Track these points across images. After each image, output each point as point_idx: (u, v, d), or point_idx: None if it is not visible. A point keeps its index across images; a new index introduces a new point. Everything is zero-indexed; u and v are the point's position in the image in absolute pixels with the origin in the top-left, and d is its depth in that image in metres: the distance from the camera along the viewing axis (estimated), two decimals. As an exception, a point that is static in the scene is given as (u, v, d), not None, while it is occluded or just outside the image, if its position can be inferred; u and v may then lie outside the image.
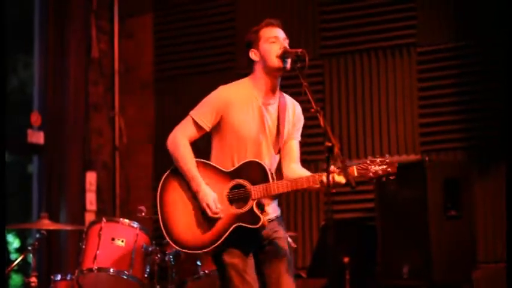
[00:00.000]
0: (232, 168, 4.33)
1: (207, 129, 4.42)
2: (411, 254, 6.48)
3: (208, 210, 4.25)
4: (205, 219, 4.29)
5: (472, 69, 7.33)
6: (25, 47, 8.39)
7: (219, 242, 4.24)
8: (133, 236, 5.62)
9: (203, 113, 4.41)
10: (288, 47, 4.39)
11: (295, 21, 7.91)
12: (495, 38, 7.20)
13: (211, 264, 5.42)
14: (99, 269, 5.48)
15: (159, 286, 5.59)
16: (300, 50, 4.31)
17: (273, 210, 4.43)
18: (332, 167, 4.10)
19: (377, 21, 7.69)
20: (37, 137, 7.97)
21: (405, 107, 7.53)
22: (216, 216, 4.24)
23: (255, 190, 4.25)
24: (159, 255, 5.56)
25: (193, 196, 4.33)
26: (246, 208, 4.25)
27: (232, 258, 4.28)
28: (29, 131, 7.91)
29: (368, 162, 4.21)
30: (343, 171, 4.07)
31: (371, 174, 4.20)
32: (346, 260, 6.66)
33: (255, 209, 4.24)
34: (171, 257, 5.51)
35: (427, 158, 6.63)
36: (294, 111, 4.49)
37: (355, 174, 4.19)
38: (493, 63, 7.21)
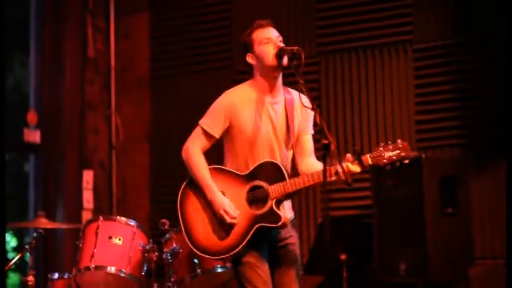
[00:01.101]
0: (248, 171, 4.38)
1: (218, 137, 4.47)
2: (408, 251, 6.48)
3: (226, 217, 4.31)
4: (225, 224, 4.34)
5: (469, 66, 7.33)
6: (21, 46, 8.38)
7: (243, 244, 4.30)
8: (131, 234, 5.63)
9: (212, 121, 4.45)
10: (283, 45, 4.41)
11: (290, 19, 7.90)
12: (492, 35, 7.20)
13: (208, 262, 5.44)
14: (97, 268, 5.50)
15: (156, 284, 5.59)
16: (295, 48, 4.33)
17: (289, 212, 4.48)
18: (347, 155, 4.16)
19: (373, 19, 7.69)
20: (33, 136, 7.98)
21: (401, 104, 7.53)
22: (234, 221, 4.29)
23: (273, 189, 4.29)
24: (156, 253, 5.56)
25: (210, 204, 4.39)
26: (266, 208, 4.30)
27: (248, 258, 4.34)
28: (25, 130, 7.91)
29: (381, 149, 4.27)
30: (358, 159, 4.10)
31: (385, 160, 4.26)
32: (343, 257, 6.67)
33: (275, 208, 4.28)
34: (168, 255, 5.51)
35: (423, 155, 6.63)
36: (301, 104, 4.48)
37: (370, 162, 4.24)
38: (490, 60, 7.21)
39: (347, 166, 4.19)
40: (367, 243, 6.82)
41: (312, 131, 4.57)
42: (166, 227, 5.54)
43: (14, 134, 7.86)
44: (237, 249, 4.31)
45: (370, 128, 7.59)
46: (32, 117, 7.97)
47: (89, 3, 8.57)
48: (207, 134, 4.45)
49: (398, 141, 4.32)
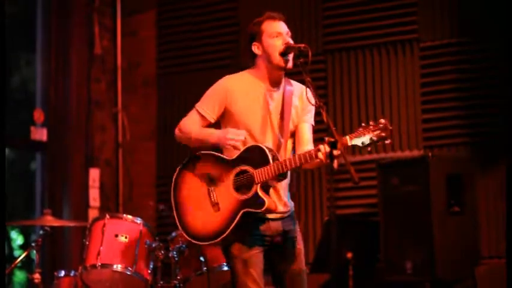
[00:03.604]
0: (235, 156, 4.34)
1: (212, 121, 4.44)
2: (414, 250, 6.48)
3: (234, 142, 4.26)
4: (214, 210, 4.32)
5: (475, 65, 7.32)
6: (27, 44, 8.40)
7: (228, 230, 4.26)
8: (137, 232, 5.63)
9: (207, 104, 4.44)
10: (291, 41, 4.39)
11: (298, 17, 7.90)
12: (498, 34, 7.19)
13: (214, 260, 5.44)
14: (103, 265, 5.49)
15: (162, 282, 5.59)
16: (302, 45, 4.30)
17: (284, 205, 4.44)
18: (326, 139, 4.05)
19: (380, 17, 7.69)
20: (40, 134, 7.99)
21: (408, 102, 7.53)
22: (242, 138, 4.27)
23: (258, 173, 4.24)
24: (162, 252, 5.56)
25: (201, 189, 4.39)
26: (251, 193, 4.24)
27: (241, 252, 4.30)
28: (32, 128, 7.92)
29: (361, 129, 4.14)
30: (336, 140, 4.00)
31: (366, 140, 4.12)
32: (349, 255, 6.66)
33: (260, 193, 4.23)
34: (174, 253, 5.51)
35: (430, 154, 6.62)
36: (301, 95, 4.45)
37: (349, 143, 4.13)
38: (496, 58, 7.21)
39: (325, 148, 4.06)
40: (373, 242, 6.82)
41: (312, 121, 4.52)
42: (162, 207, 5.54)
43: (21, 132, 7.87)
44: (224, 235, 4.26)
45: (376, 126, 7.57)
46: (38, 115, 7.98)
47: (96, 1, 8.58)
48: (201, 117, 4.45)
49: (381, 120, 4.15)
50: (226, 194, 4.31)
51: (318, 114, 4.12)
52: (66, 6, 8.20)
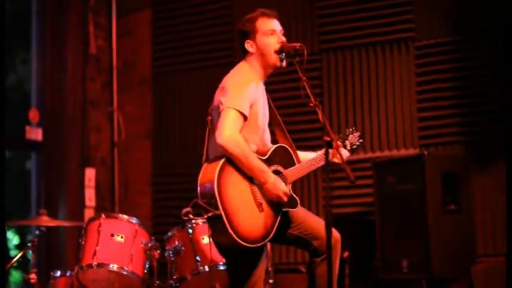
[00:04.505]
0: (267, 156, 4.30)
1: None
2: (410, 248, 6.48)
3: (285, 197, 4.23)
4: (259, 210, 4.22)
5: (471, 63, 7.33)
6: (23, 43, 8.38)
7: (274, 230, 4.22)
8: (133, 231, 5.63)
9: (244, 102, 4.22)
10: (284, 39, 4.39)
11: (293, 16, 7.90)
12: (493, 32, 7.20)
13: (210, 260, 5.44)
14: (99, 265, 5.50)
15: (158, 282, 5.59)
16: (298, 44, 4.31)
17: None
18: (338, 142, 4.32)
19: (375, 16, 7.69)
20: (35, 134, 7.98)
21: (403, 101, 7.54)
22: (284, 198, 4.23)
23: (289, 174, 4.31)
24: (158, 251, 5.56)
25: (246, 190, 4.20)
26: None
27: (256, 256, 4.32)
28: (27, 128, 7.91)
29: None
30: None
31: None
32: (345, 254, 6.64)
33: (292, 193, 4.31)
34: (170, 252, 5.51)
35: (426, 153, 6.62)
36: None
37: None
38: (492, 56, 7.21)
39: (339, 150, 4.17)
40: (369, 241, 6.82)
41: None
42: (190, 215, 5.45)
43: (16, 132, 7.86)
44: (271, 235, 4.21)
45: (372, 125, 7.59)
46: (33, 115, 7.97)
47: (91, 1, 8.57)
48: (242, 115, 4.19)
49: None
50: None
51: (313, 113, 4.11)
52: (61, 5, 8.19)
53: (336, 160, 4.21)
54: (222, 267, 5.47)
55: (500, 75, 7.06)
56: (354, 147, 4.63)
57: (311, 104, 4.21)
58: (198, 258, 5.48)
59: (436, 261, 6.31)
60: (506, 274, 5.98)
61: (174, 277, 5.52)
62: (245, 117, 4.21)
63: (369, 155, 7.49)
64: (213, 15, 8.41)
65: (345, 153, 4.48)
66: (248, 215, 4.15)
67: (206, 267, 5.47)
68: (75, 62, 8.32)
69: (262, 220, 4.20)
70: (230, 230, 4.06)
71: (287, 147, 4.40)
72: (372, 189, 7.01)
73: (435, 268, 6.30)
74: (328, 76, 7.82)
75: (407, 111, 7.51)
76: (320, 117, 4.09)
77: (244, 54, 4.47)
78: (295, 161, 4.37)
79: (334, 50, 7.83)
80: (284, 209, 4.27)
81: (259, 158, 4.25)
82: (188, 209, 5.26)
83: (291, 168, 4.32)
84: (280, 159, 4.33)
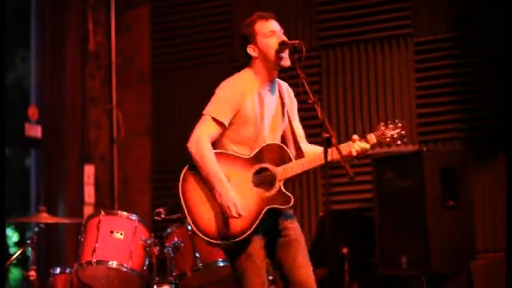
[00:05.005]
0: (253, 154, 4.35)
1: (227, 126, 4.37)
2: (409, 244, 6.49)
3: (232, 211, 4.19)
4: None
5: (469, 59, 7.33)
6: (22, 41, 8.38)
7: (253, 227, 4.25)
8: (132, 228, 5.63)
9: (223, 110, 4.34)
10: (285, 38, 4.40)
11: (291, 12, 7.90)
12: (492, 28, 7.19)
13: (210, 255, 5.44)
14: (98, 262, 5.49)
15: (158, 278, 5.59)
16: (297, 42, 4.32)
17: None
18: (354, 136, 4.28)
19: (373, 12, 7.69)
20: (34, 131, 7.97)
21: (402, 97, 7.54)
22: (236, 216, 4.20)
23: (280, 171, 4.30)
24: (158, 248, 5.56)
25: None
26: (275, 190, 4.29)
27: (248, 249, 4.29)
28: (27, 125, 7.91)
29: (382, 128, 4.37)
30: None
31: (388, 139, 4.38)
32: (344, 250, 6.67)
33: (284, 189, 4.29)
34: (170, 249, 5.51)
35: (425, 149, 6.63)
36: (289, 93, 4.57)
37: (374, 140, 4.35)
38: (490, 52, 7.21)
39: (356, 145, 4.27)
40: (368, 237, 6.82)
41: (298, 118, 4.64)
42: (162, 216, 5.50)
43: (15, 129, 7.85)
44: (248, 232, 4.24)
45: (371, 121, 7.59)
46: (33, 112, 7.97)
47: (90, -3, 8.58)
48: (218, 123, 4.34)
49: (397, 120, 4.41)
50: (246, 191, 4.30)
51: (312, 109, 4.12)
52: (60, 2, 8.19)
53: (335, 157, 4.20)
54: (221, 264, 5.48)
55: (500, 72, 7.06)
56: (395, 137, 4.39)
57: (310, 101, 4.21)
58: (197, 254, 5.48)
59: (435, 257, 6.31)
60: (506, 270, 5.99)
61: (174, 273, 5.52)
62: (222, 124, 4.33)
63: (368, 151, 7.48)
64: (212, 12, 8.40)
65: (365, 145, 4.37)
66: (216, 214, 4.26)
67: (205, 263, 5.47)
68: (74, 59, 8.32)
69: (239, 217, 4.23)
70: (196, 230, 4.28)
71: (282, 145, 4.39)
72: (371, 186, 7.02)
73: (434, 264, 6.31)
74: (327, 73, 7.82)
75: (406, 107, 7.51)
76: (319, 114, 4.10)
77: (248, 59, 4.47)
78: (291, 159, 4.35)
79: (333, 47, 7.83)
80: (270, 206, 4.27)
81: (240, 156, 4.34)
82: (160, 209, 5.31)
83: (282, 166, 4.31)
84: (272, 157, 4.33)
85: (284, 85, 4.58)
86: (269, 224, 4.36)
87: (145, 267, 5.61)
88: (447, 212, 6.49)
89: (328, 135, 3.99)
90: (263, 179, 4.32)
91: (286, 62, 4.37)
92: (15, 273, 7.91)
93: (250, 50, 4.43)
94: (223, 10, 8.35)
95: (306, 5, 7.96)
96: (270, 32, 4.40)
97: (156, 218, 5.45)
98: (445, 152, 7.15)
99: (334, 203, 7.46)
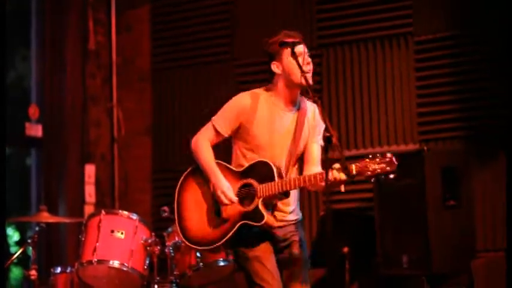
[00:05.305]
0: (243, 168, 4.41)
1: (226, 135, 4.50)
2: (410, 243, 6.48)
3: (222, 197, 4.33)
4: (216, 217, 4.40)
5: (470, 58, 7.32)
6: (22, 40, 8.37)
7: (225, 238, 4.34)
8: (133, 228, 5.64)
9: (223, 121, 4.48)
10: (310, 61, 4.39)
11: (292, 11, 7.89)
12: (493, 27, 7.19)
13: (211, 256, 5.45)
14: (99, 261, 5.50)
15: (158, 278, 5.60)
16: (297, 40, 4.36)
17: (293, 214, 4.51)
18: (335, 165, 4.14)
19: (374, 11, 7.68)
20: (35, 130, 7.97)
21: (403, 96, 7.53)
22: (228, 203, 4.33)
23: (261, 188, 4.30)
24: (158, 247, 5.57)
25: (207, 195, 4.46)
26: (252, 206, 4.31)
27: (255, 252, 4.35)
28: (27, 124, 7.91)
29: (367, 160, 4.15)
30: (343, 168, 4.08)
31: (369, 172, 4.15)
32: (345, 250, 6.67)
33: (261, 207, 4.29)
34: (170, 248, 5.52)
35: (425, 148, 6.62)
36: (313, 114, 4.51)
37: (354, 172, 4.15)
38: (491, 51, 7.21)
39: (332, 174, 4.15)
40: (369, 236, 6.81)
41: (320, 142, 4.46)
42: (166, 214, 5.53)
43: (16, 128, 7.85)
44: (219, 243, 4.37)
45: (372, 120, 7.58)
46: (33, 111, 7.97)
47: (90, -3, 8.58)
48: (216, 131, 4.48)
49: (387, 154, 4.19)
50: (230, 204, 4.36)
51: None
52: (60, 2, 8.19)
53: (336, 175, 4.17)
54: (222, 263, 5.49)
55: (500, 70, 7.05)
56: (377, 172, 4.21)
57: (310, 100, 4.21)
58: (198, 254, 5.49)
59: (436, 257, 6.31)
60: (506, 269, 5.99)
61: (175, 273, 5.54)
62: (220, 134, 4.48)
63: (369, 150, 7.48)
64: (213, 10, 8.39)
65: (341, 177, 4.25)
66: (202, 219, 4.45)
67: (206, 263, 5.47)
68: (74, 58, 8.31)
69: (218, 227, 4.38)
70: (179, 231, 4.53)
71: (269, 163, 4.34)
72: (371, 185, 7.00)
73: (435, 263, 6.30)
74: (327, 71, 7.81)
75: (406, 106, 7.50)
76: (320, 113, 4.10)
77: (271, 75, 4.49)
78: (275, 178, 4.30)
79: (333, 46, 7.82)
80: (244, 221, 4.32)
81: (231, 169, 4.44)
82: (165, 207, 5.39)
83: (264, 184, 4.30)
84: (259, 174, 4.34)
85: (312, 106, 4.52)
86: (275, 238, 4.41)
87: (146, 267, 5.62)
88: (448, 211, 6.48)
89: (328, 134, 3.98)
90: (245, 194, 4.36)
91: (309, 80, 4.34)
92: (16, 272, 7.91)
93: (274, 67, 4.44)
94: (223, 9, 8.34)
95: (306, 4, 7.94)
96: (297, 53, 4.36)
97: (162, 215, 5.52)
98: (445, 151, 7.15)
99: (335, 202, 7.45)
